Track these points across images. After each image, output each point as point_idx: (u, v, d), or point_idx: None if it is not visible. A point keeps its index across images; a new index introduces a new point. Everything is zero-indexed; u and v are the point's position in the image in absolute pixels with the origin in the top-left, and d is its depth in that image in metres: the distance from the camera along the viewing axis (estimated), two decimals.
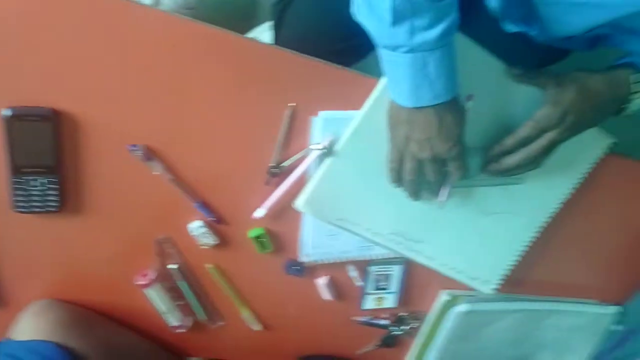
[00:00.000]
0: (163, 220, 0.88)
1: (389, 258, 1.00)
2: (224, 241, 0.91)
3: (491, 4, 0.77)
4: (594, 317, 1.18)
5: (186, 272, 0.92)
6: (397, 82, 0.71)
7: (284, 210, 0.90)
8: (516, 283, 1.09)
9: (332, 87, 0.82)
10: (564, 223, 1.04)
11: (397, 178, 0.84)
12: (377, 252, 0.98)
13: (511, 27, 0.81)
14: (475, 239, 1.00)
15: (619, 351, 1.23)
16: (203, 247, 0.90)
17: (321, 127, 0.85)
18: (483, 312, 1.08)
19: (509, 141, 0.81)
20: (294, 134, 0.85)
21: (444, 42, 0.67)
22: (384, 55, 0.71)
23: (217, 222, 0.89)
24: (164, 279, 0.92)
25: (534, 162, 0.81)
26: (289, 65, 0.81)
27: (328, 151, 0.85)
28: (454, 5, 0.66)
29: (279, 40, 0.96)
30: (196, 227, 0.88)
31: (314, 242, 0.94)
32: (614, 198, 1.06)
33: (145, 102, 0.79)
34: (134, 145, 0.80)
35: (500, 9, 0.78)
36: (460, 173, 0.79)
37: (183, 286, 0.93)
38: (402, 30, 0.65)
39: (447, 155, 0.76)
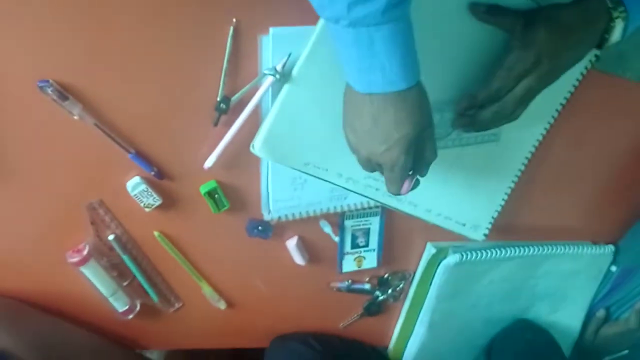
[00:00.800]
0: (94, 180, 0.71)
1: (365, 208, 0.85)
2: (170, 200, 0.75)
3: None
4: (591, 258, 1.07)
5: (129, 242, 0.76)
6: (346, 60, 0.59)
7: (239, 157, 0.75)
8: (505, 230, 0.97)
9: None
10: (548, 159, 0.94)
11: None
12: (352, 201, 0.84)
13: None
14: (459, 183, 0.87)
15: (616, 294, 1.12)
16: (146, 209, 0.73)
17: (273, 47, 0.70)
18: (474, 262, 0.95)
19: (481, 94, 0.69)
20: (241, 59, 0.70)
21: (391, 16, 0.54)
22: (329, 29, 0.59)
23: (158, 176, 0.72)
24: (103, 253, 0.75)
25: (511, 115, 0.70)
26: None
27: (284, 77, 0.70)
28: None
29: None
30: (134, 184, 0.71)
31: (277, 194, 0.79)
32: (597, 121, 0.95)
33: (55, 27, 0.63)
34: (44, 81, 0.63)
35: None
36: (391, 189, 0.66)
37: (127, 261, 0.76)
38: (339, 1, 0.53)
39: (379, 160, 0.64)
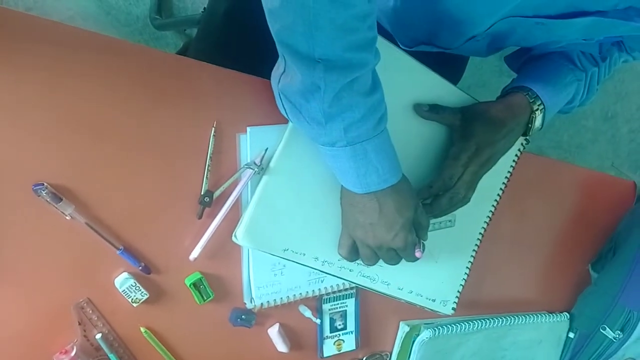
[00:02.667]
0: (82, 278, 0.71)
1: (341, 290, 0.87)
2: (156, 294, 0.75)
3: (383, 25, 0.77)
4: (549, 326, 1.11)
5: (115, 341, 0.74)
6: (343, 172, 0.68)
7: (222, 247, 0.77)
8: (470, 306, 1.01)
9: (257, 100, 0.73)
10: (498, 236, 1.01)
11: (353, 259, 0.79)
12: (328, 284, 0.86)
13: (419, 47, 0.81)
14: (425, 262, 0.90)
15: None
16: (134, 304, 0.73)
17: (250, 143, 0.74)
18: (445, 337, 0.97)
19: (436, 184, 0.78)
20: (222, 156, 0.74)
21: (379, 129, 0.65)
22: (324, 151, 0.67)
23: (146, 271, 0.73)
24: (90, 353, 0.73)
25: (464, 199, 0.78)
26: (207, 79, 0.71)
27: (262, 170, 0.74)
28: (382, 100, 0.65)
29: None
30: (122, 280, 0.71)
31: (258, 280, 0.80)
32: (537, 198, 1.03)
33: (47, 134, 0.65)
34: (39, 184, 0.64)
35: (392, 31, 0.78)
36: (410, 259, 0.75)
37: (113, 359, 0.74)
38: (335, 128, 0.62)
39: (392, 245, 0.72)
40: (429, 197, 0.78)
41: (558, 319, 1.11)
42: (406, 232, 0.70)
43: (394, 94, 0.70)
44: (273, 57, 0.64)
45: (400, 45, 0.83)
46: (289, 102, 0.64)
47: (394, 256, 0.74)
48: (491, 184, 0.89)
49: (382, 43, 0.72)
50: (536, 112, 0.80)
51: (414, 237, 0.72)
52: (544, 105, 0.80)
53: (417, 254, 0.74)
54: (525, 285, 1.08)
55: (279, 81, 0.63)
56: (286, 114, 0.67)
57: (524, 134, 0.83)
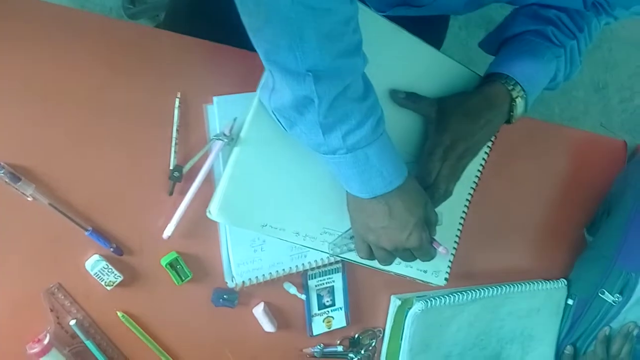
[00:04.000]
0: (51, 262, 0.67)
1: (326, 265, 0.83)
2: (131, 276, 0.71)
3: None
4: (547, 294, 1.06)
5: (91, 327, 0.70)
6: (347, 179, 0.66)
7: (197, 224, 0.73)
8: (464, 277, 0.98)
9: (223, 69, 0.69)
10: (489, 204, 0.97)
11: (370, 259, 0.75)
12: (312, 259, 0.82)
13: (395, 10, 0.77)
14: None
15: (578, 328, 1.10)
16: (107, 287, 0.69)
17: (218, 114, 0.70)
18: (439, 308, 0.93)
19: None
20: (190, 128, 0.70)
21: (378, 132, 0.62)
22: (326, 159, 0.65)
23: (118, 252, 0.69)
24: (65, 341, 0.69)
25: (445, 193, 0.75)
26: (170, 49, 0.68)
27: (232, 140, 0.70)
28: (377, 103, 0.63)
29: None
30: (93, 262, 0.67)
31: (238, 257, 0.77)
32: (525, 161, 0.99)
33: (4, 110, 0.62)
34: None
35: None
36: (428, 259, 0.73)
37: (90, 346, 0.70)
38: (334, 137, 0.61)
39: (407, 245, 0.69)
40: None
41: (555, 286, 1.07)
42: (420, 231, 0.68)
43: (379, 67, 0.67)
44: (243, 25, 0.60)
45: (375, 11, 0.79)
46: (283, 117, 0.62)
47: (409, 255, 0.71)
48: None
49: (362, 10, 0.68)
50: (517, 100, 0.76)
51: (427, 235, 0.69)
52: (524, 90, 0.76)
53: (442, 250, 0.73)
54: (520, 253, 1.04)
55: (269, 98, 0.62)
56: (283, 128, 0.65)
57: (507, 122, 0.79)
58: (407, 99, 0.75)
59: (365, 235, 0.70)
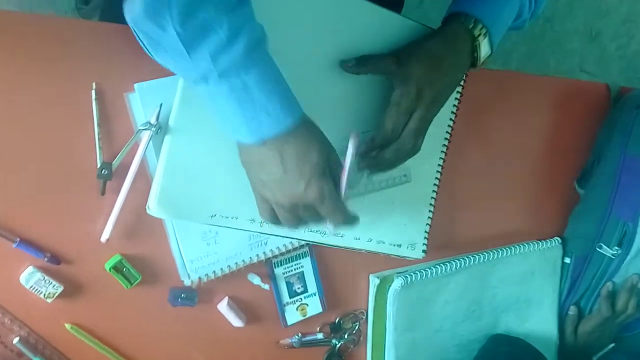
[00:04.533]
0: None
1: (290, 250, 0.78)
2: (74, 285, 0.67)
3: None
4: (540, 255, 1.00)
5: (38, 342, 0.66)
6: (228, 118, 0.56)
7: (140, 222, 0.68)
8: (446, 247, 0.92)
9: (142, 53, 0.63)
10: (465, 168, 0.90)
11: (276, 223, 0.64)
12: (274, 246, 0.76)
13: None
14: (381, 208, 0.80)
15: (579, 287, 1.04)
16: (48, 299, 0.64)
17: (142, 101, 0.65)
18: (421, 282, 0.87)
19: (378, 136, 0.67)
20: (113, 121, 0.65)
21: (255, 59, 0.53)
22: (202, 93, 0.56)
23: (54, 261, 0.64)
24: None
25: (413, 148, 0.67)
26: (81, 38, 0.62)
27: (161, 129, 0.65)
28: (253, 19, 0.54)
29: None
30: (27, 275, 0.63)
31: (190, 253, 0.72)
32: (501, 118, 0.92)
33: None
34: None
35: None
36: (338, 218, 0.60)
37: None
38: (201, 57, 0.51)
39: (307, 200, 0.58)
40: (372, 150, 0.68)
41: (549, 245, 1.01)
42: (319, 181, 0.57)
43: (327, 34, 0.62)
44: None
45: None
46: (143, 33, 0.54)
47: (314, 215, 0.60)
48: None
49: None
50: (479, 39, 0.70)
51: (331, 187, 0.58)
52: (486, 28, 0.69)
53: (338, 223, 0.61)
54: (506, 216, 0.98)
55: (125, 8, 0.53)
56: (148, 51, 0.56)
57: (473, 65, 0.72)
58: (358, 64, 0.68)
59: (262, 192, 0.60)
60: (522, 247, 0.97)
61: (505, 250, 0.95)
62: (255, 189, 0.63)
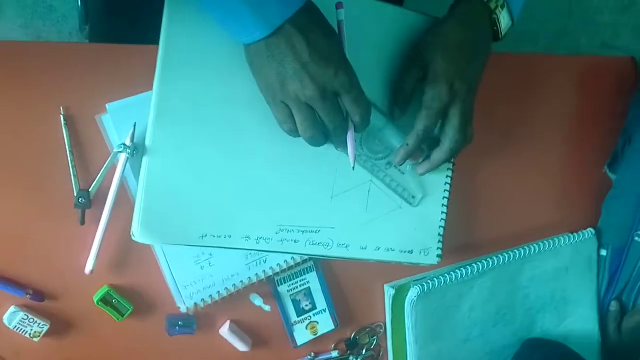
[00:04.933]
0: None
1: (293, 267, 0.73)
2: (61, 322, 0.63)
3: None
4: (574, 249, 0.92)
5: None
6: (234, 16, 0.52)
7: (127, 250, 0.64)
8: (464, 249, 0.84)
9: (111, 71, 0.60)
10: (484, 161, 0.83)
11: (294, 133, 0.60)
12: (274, 263, 0.72)
13: None
14: (385, 206, 0.75)
15: (620, 280, 0.95)
16: (34, 339, 0.61)
17: (114, 123, 0.61)
18: (441, 290, 0.81)
19: (411, 141, 0.64)
20: (86, 146, 0.61)
21: None
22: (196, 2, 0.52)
23: (37, 298, 0.61)
24: None
25: (465, 140, 0.65)
26: (45, 61, 0.59)
27: (137, 150, 0.60)
28: None
29: None
30: (9, 315, 0.60)
31: (183, 278, 0.67)
32: (521, 104, 0.85)
33: None
34: None
35: None
36: (361, 108, 0.57)
37: None
38: None
39: (336, 84, 0.54)
40: (407, 157, 0.66)
41: (582, 238, 0.92)
42: (347, 65, 0.55)
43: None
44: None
45: None
46: None
47: (335, 109, 0.56)
48: None
49: None
50: (497, 11, 0.65)
51: (356, 76, 0.56)
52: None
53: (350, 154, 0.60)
54: (532, 210, 0.90)
55: None
56: None
57: (495, 39, 0.68)
58: (400, 107, 0.67)
59: (285, 90, 0.55)
60: (552, 242, 0.89)
61: (533, 247, 0.88)
62: (273, 93, 0.57)
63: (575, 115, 0.90)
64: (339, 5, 0.59)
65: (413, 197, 0.73)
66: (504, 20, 0.66)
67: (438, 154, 0.67)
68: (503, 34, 0.67)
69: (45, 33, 1.38)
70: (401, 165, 0.69)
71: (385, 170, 0.71)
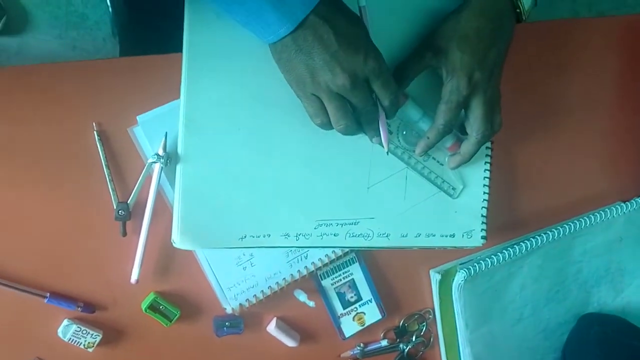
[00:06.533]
0: (22, 339, 0.63)
1: (334, 260, 0.72)
2: (113, 331, 0.65)
3: None
4: (627, 218, 0.88)
5: None
6: (256, 17, 0.51)
7: (170, 257, 0.65)
8: (510, 228, 0.81)
9: (138, 83, 0.60)
10: (523, 133, 0.80)
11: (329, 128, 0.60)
12: (315, 258, 0.72)
13: None
14: (422, 196, 0.73)
15: None
16: (88, 349, 0.63)
17: (146, 134, 0.62)
18: (488, 272, 0.79)
19: (432, 134, 0.63)
20: (121, 159, 0.62)
21: None
22: (221, 11, 0.53)
23: (88, 310, 0.63)
24: None
25: (493, 128, 0.64)
26: (74, 79, 0.60)
27: (170, 158, 0.61)
28: None
29: None
30: (63, 328, 0.62)
31: (226, 281, 0.68)
32: (559, 69, 0.81)
33: None
34: None
35: None
36: (389, 92, 0.56)
37: None
38: None
39: (366, 70, 0.54)
40: (429, 148, 0.65)
41: (635, 207, 0.88)
42: (374, 49, 0.54)
43: None
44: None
45: None
46: None
47: (366, 93, 0.56)
48: None
49: None
50: None
51: (384, 61, 0.56)
52: None
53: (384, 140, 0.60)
54: (579, 181, 0.86)
55: None
56: None
57: (518, 21, 0.64)
58: (398, 80, 0.62)
59: (316, 82, 0.54)
60: (603, 213, 0.86)
61: (584, 220, 0.84)
62: (303, 87, 0.56)
63: (618, 78, 0.86)
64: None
65: (453, 188, 0.71)
66: (526, 1, 0.62)
67: (466, 146, 0.65)
68: (526, 15, 0.63)
69: (80, 42, 1.41)
70: (421, 156, 0.68)
71: (424, 162, 0.70)
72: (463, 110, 0.63)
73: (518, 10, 0.63)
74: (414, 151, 0.68)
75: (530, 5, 0.63)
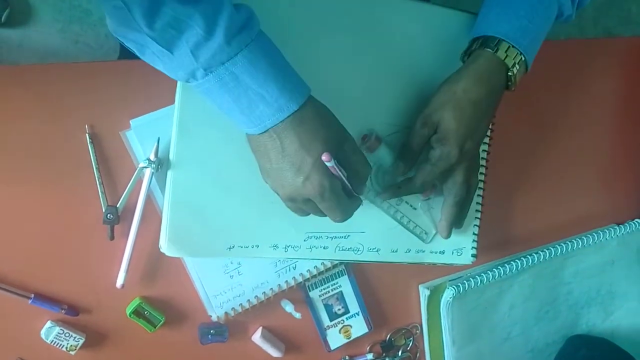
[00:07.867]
0: (7, 341, 0.62)
1: (324, 271, 0.72)
2: (96, 335, 0.65)
3: None
4: (619, 241, 0.88)
5: None
6: (228, 111, 0.52)
7: (157, 263, 0.65)
8: (501, 246, 0.81)
9: (132, 87, 0.60)
10: (518, 154, 0.80)
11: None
12: (304, 269, 0.71)
13: None
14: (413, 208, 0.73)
15: None
16: (70, 352, 0.63)
17: (139, 139, 0.61)
18: (478, 290, 0.79)
19: (404, 186, 0.66)
20: (112, 162, 0.62)
21: (239, 44, 0.48)
22: (196, 89, 0.52)
23: (71, 313, 0.63)
24: None
25: (470, 190, 0.68)
26: (67, 81, 0.59)
27: (162, 164, 0.61)
28: (229, 3, 0.48)
29: None
30: (46, 330, 0.61)
31: (213, 288, 0.68)
32: (557, 88, 0.81)
33: None
34: None
35: None
36: (337, 217, 0.56)
37: None
38: (184, 53, 0.48)
39: (305, 194, 0.54)
40: (395, 197, 0.68)
41: (629, 230, 0.88)
42: (320, 175, 0.52)
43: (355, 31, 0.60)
44: None
45: None
46: (127, 40, 0.50)
47: (315, 209, 0.56)
48: None
49: None
50: (514, 68, 0.62)
51: (334, 182, 0.54)
52: (520, 52, 0.61)
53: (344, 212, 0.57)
54: (573, 202, 0.87)
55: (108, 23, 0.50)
56: (139, 56, 0.52)
57: (507, 89, 0.65)
58: (403, 159, 0.65)
59: (267, 181, 0.57)
60: (596, 235, 0.86)
61: (576, 241, 0.84)
62: (261, 174, 0.58)
63: (616, 99, 0.86)
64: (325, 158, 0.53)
65: (426, 233, 0.71)
66: (519, 73, 0.62)
67: (446, 210, 0.67)
68: (514, 87, 0.64)
69: (82, 37, 1.40)
70: (386, 199, 0.68)
71: (396, 206, 0.70)
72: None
73: (509, 83, 0.63)
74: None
75: (521, 75, 0.63)
